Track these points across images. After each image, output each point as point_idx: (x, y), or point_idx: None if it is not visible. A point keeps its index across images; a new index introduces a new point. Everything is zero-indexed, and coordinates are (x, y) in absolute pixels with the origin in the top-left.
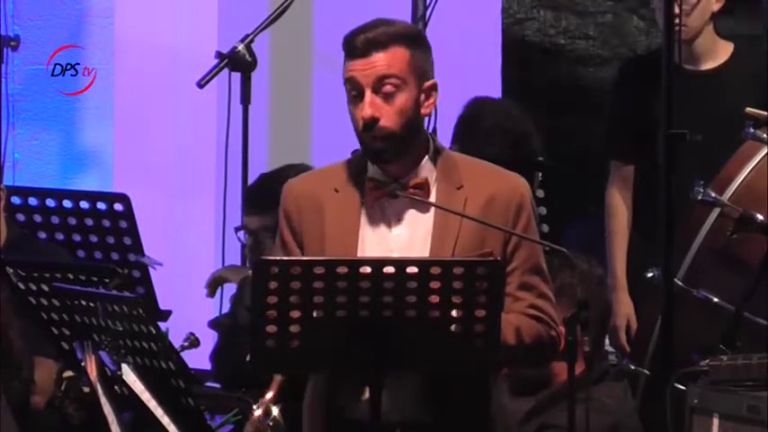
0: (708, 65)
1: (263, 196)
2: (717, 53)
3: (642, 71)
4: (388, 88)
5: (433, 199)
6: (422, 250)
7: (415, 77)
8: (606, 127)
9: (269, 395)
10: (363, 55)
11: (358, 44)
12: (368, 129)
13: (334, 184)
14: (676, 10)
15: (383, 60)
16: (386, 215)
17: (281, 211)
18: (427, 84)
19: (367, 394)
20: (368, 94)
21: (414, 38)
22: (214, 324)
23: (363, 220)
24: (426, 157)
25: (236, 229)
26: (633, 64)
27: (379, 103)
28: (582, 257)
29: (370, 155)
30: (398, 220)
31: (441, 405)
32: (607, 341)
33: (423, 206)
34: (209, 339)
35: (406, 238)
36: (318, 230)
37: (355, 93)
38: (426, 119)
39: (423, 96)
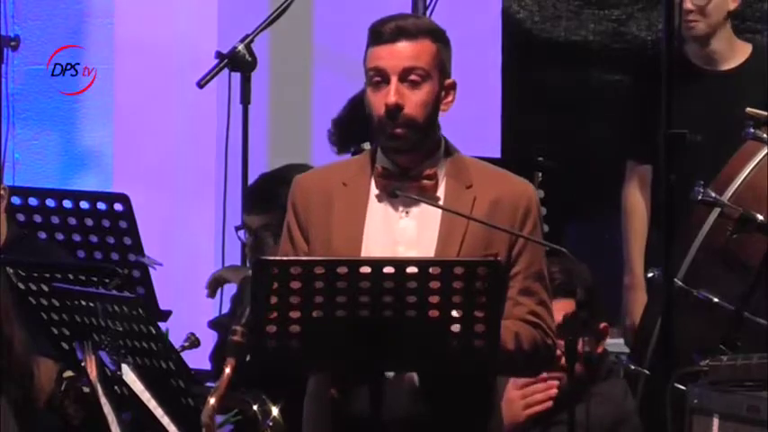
0: (726, 65)
1: (263, 195)
2: (735, 53)
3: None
4: (414, 78)
5: (441, 195)
6: (429, 245)
7: (439, 72)
8: (623, 127)
9: (211, 402)
10: (391, 41)
11: (387, 30)
12: (391, 116)
13: (343, 179)
14: (689, 5)
15: (411, 50)
16: (394, 207)
17: (289, 204)
18: (448, 81)
19: (366, 392)
20: (394, 80)
21: (440, 34)
22: (214, 324)
23: (370, 211)
24: (437, 153)
25: (237, 228)
26: (651, 63)
27: (404, 91)
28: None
29: (386, 141)
30: (407, 212)
31: (439, 402)
32: (607, 340)
33: (424, 203)
34: (209, 339)
35: (413, 231)
36: (326, 223)
37: (379, 78)
38: None
39: (443, 93)
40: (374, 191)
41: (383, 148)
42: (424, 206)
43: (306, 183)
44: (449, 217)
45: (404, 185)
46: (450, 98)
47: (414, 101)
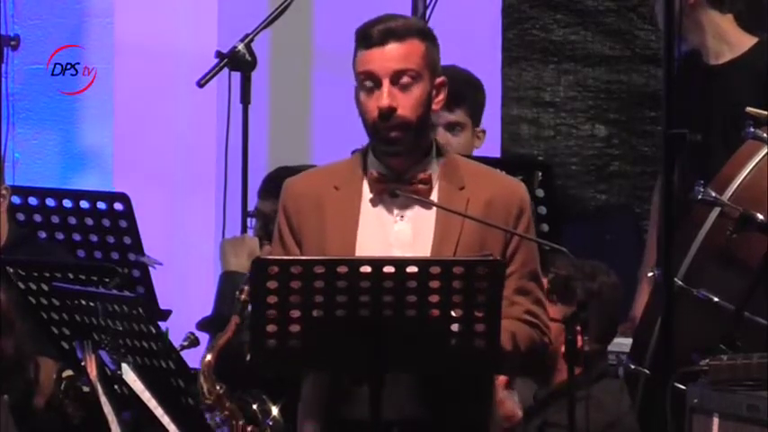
0: (722, 59)
1: (279, 182)
2: (732, 46)
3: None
4: (405, 80)
5: (434, 197)
6: (424, 247)
7: (429, 72)
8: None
9: (208, 357)
10: (380, 44)
11: (375, 33)
12: (385, 118)
13: (334, 182)
14: None
15: (401, 51)
16: (388, 210)
17: (280, 208)
18: (438, 80)
19: (365, 393)
20: (386, 83)
21: (428, 33)
22: (201, 326)
23: (364, 215)
24: (430, 155)
25: (249, 215)
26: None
27: (396, 94)
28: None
29: (382, 144)
30: (401, 215)
31: (438, 403)
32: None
33: (426, 202)
34: (207, 339)
35: (408, 233)
36: (318, 228)
37: (371, 83)
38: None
39: (434, 92)
40: (367, 195)
41: (377, 152)
42: (418, 209)
43: (296, 187)
44: (444, 219)
45: (400, 188)
46: (441, 96)
47: (406, 102)
